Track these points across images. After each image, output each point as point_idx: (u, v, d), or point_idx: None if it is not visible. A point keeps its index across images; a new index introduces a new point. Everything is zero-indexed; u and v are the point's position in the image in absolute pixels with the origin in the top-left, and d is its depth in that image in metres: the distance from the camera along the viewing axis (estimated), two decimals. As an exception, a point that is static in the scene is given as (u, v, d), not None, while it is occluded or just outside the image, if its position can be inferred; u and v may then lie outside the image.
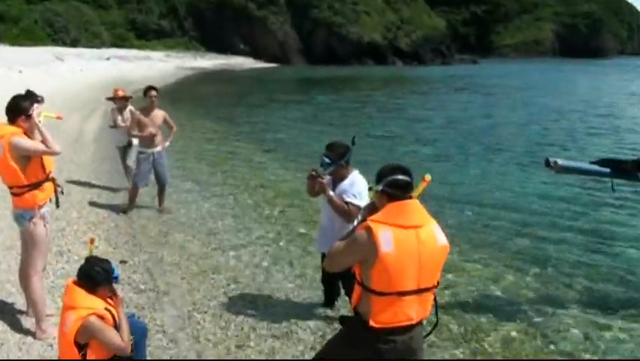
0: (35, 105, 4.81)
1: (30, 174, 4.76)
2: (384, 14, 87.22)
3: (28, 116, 4.77)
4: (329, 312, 5.92)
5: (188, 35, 79.77)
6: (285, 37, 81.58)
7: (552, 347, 5.51)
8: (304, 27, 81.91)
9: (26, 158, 4.72)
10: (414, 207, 3.35)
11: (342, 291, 5.81)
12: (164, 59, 63.64)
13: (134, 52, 63.07)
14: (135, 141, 9.70)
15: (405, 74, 62.59)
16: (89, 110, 19.99)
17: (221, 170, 12.73)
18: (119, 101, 10.24)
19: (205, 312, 5.82)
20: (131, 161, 9.98)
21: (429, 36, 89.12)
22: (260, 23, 79.18)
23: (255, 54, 78.38)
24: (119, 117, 10.10)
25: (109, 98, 10.55)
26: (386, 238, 3.18)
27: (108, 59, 53.13)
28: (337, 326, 5.44)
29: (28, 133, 4.78)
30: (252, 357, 5.04)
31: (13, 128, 4.71)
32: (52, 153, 4.78)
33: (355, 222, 4.94)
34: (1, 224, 7.50)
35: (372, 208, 3.53)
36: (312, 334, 5.49)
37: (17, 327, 5.09)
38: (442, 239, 3.37)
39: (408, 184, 3.39)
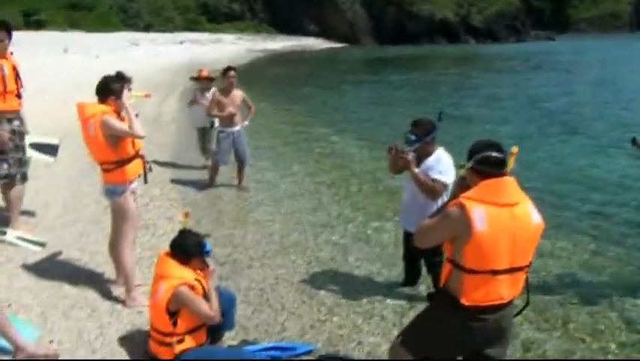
0: (125, 91, 4.94)
1: (120, 150, 4.90)
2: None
3: (119, 97, 4.91)
4: (409, 290, 5.86)
5: (258, 18, 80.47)
6: (354, 16, 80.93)
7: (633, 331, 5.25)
8: (374, 6, 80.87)
9: (116, 136, 4.86)
10: (508, 185, 3.24)
11: (424, 269, 5.76)
12: (235, 42, 64.55)
13: (205, 35, 64.27)
14: (216, 123, 9.89)
15: (478, 51, 61.11)
16: (165, 93, 20.49)
17: (296, 149, 12.82)
18: (203, 82, 10.36)
19: (288, 286, 5.89)
20: (211, 142, 10.17)
21: (503, 12, 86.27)
22: (329, 3, 78.71)
23: (325, 35, 78.25)
24: (204, 97, 10.15)
25: (193, 78, 10.76)
26: (479, 215, 3.09)
27: (181, 42, 54.37)
28: (418, 304, 5.45)
29: (118, 112, 4.91)
30: (336, 332, 5.05)
31: (103, 107, 4.86)
32: (137, 137, 4.91)
33: (440, 201, 4.91)
34: (88, 199, 7.81)
35: (462, 184, 3.44)
36: (393, 311, 5.45)
37: (107, 295, 5.28)
38: (536, 218, 3.25)
39: (501, 161, 3.27)
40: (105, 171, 5.00)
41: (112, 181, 5.01)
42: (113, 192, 5.03)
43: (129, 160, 4.98)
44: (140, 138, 4.95)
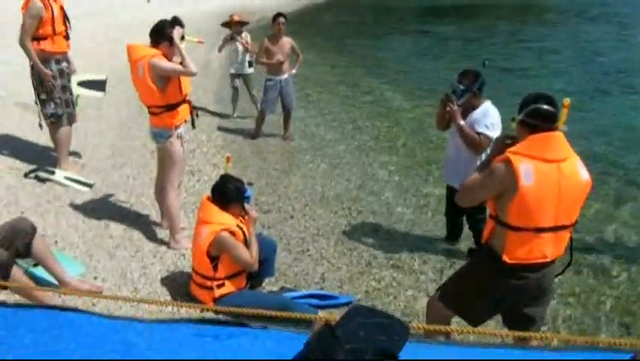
0: (177, 28, 4.92)
1: (168, 95, 4.93)
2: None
3: (172, 43, 4.90)
4: (450, 246, 5.83)
5: (311, -37, 79.04)
6: (409, -36, 78.79)
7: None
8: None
9: (165, 79, 4.87)
10: (557, 140, 3.14)
11: (466, 226, 5.70)
12: (284, -13, 63.56)
13: (255, -20, 63.43)
14: (251, 69, 9.96)
15: (539, 1, 58.80)
16: (215, 40, 20.30)
17: (343, 100, 12.68)
18: (235, 27, 10.07)
19: (328, 237, 5.92)
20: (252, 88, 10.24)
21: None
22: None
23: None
24: (237, 43, 9.98)
25: (224, 24, 10.47)
26: (527, 171, 3.01)
27: (232, -12, 53.83)
28: (458, 260, 5.42)
29: (168, 57, 4.91)
30: (374, 285, 5.07)
31: (153, 51, 4.87)
32: (190, 74, 4.89)
33: (484, 155, 4.80)
34: (136, 143, 7.95)
35: (501, 142, 3.35)
36: (432, 267, 5.43)
37: (152, 237, 5.42)
38: (584, 175, 3.15)
39: (552, 114, 3.15)
40: (152, 114, 5.06)
41: (159, 125, 5.06)
42: (160, 135, 5.10)
43: (177, 105, 5.01)
44: (192, 74, 4.91)
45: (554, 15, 41.37)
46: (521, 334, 2.91)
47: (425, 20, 37.50)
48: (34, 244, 4.00)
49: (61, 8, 6.39)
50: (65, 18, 6.43)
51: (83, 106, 8.32)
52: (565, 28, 32.02)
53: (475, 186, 3.26)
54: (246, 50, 9.94)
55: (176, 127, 5.09)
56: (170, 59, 4.91)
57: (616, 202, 7.13)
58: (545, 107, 3.15)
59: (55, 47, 6.33)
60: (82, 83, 7.05)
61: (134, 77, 4.96)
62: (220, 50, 10.34)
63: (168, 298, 4.38)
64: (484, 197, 3.32)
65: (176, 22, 5.00)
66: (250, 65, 10.08)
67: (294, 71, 9.22)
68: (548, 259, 3.22)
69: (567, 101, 3.29)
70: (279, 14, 8.98)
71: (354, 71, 16.93)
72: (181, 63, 4.83)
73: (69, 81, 6.64)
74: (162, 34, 4.92)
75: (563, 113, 3.26)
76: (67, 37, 6.48)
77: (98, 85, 7.31)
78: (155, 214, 5.79)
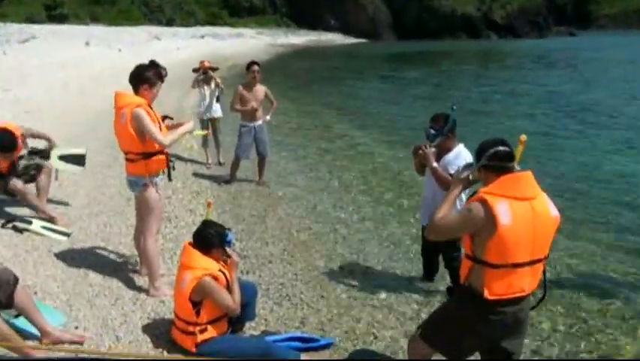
0: (188, 124, 5.27)
1: (147, 143, 4.97)
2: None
3: (152, 85, 5.02)
4: (427, 286, 5.92)
5: (279, 12, 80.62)
6: (375, 11, 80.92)
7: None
8: (395, 1, 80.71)
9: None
10: (527, 179, 3.30)
11: (442, 264, 5.80)
12: (256, 36, 64.79)
13: (226, 29, 64.62)
14: (219, 113, 10.23)
15: (500, 48, 60.68)
16: (187, 87, 20.56)
17: (316, 145, 12.90)
18: (205, 73, 10.32)
19: (307, 281, 5.96)
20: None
21: (524, 7, 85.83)
22: (351, -2, 78.77)
23: (345, 30, 78.28)
24: (205, 88, 10.23)
25: (195, 70, 10.66)
26: (503, 210, 3.15)
27: (203, 37, 54.68)
28: (436, 299, 5.52)
29: (148, 99, 5.01)
30: (354, 326, 5.11)
31: (138, 99, 4.96)
32: (160, 143, 4.95)
33: (463, 197, 4.96)
34: (112, 191, 7.96)
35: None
36: (411, 306, 5.50)
37: (131, 285, 5.39)
38: (554, 211, 3.32)
39: (509, 154, 3.36)
40: (129, 161, 5.10)
41: (135, 173, 5.10)
42: (136, 183, 5.13)
43: (154, 154, 5.07)
44: (163, 145, 4.99)
45: (521, 59, 42.80)
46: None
47: (395, 66, 38.51)
48: (16, 295, 3.97)
49: None
50: None
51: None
52: (525, 72, 33.21)
53: (450, 222, 3.37)
54: (216, 89, 10.19)
55: (151, 175, 5.13)
56: (149, 102, 5.00)
57: (578, 236, 7.38)
58: (502, 148, 3.36)
59: None
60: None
61: (116, 123, 5.02)
62: (193, 86, 10.52)
63: (150, 345, 4.35)
64: (457, 234, 3.45)
65: (154, 64, 5.12)
66: (217, 100, 10.28)
67: (268, 118, 9.37)
68: (526, 293, 3.33)
69: (524, 137, 3.47)
70: (253, 62, 9.17)
71: (326, 117, 17.24)
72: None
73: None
74: (141, 77, 5.02)
75: (519, 150, 3.45)
76: None
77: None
78: (133, 262, 5.78)
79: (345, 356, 4.58)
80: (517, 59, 44.39)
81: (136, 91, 5.03)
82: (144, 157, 5.02)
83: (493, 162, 3.34)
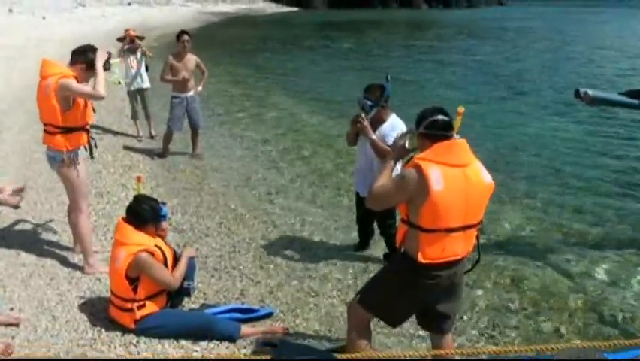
0: (100, 51, 4.93)
1: (68, 117, 4.82)
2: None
3: (89, 68, 4.85)
4: (364, 252, 6.04)
5: (209, -21, 78.68)
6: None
7: (580, 291, 5.49)
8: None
9: (69, 102, 4.78)
10: (460, 146, 3.40)
11: (377, 231, 5.92)
12: (185, 4, 63.14)
13: (154, -5, 62.54)
14: (147, 84, 9.99)
15: (430, 17, 61.40)
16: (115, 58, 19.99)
17: (250, 115, 12.81)
18: (131, 42, 10.01)
19: (245, 253, 5.98)
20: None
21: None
22: (281, -35, 77.75)
23: (277, -3, 77.29)
24: (133, 58, 9.96)
25: (120, 39, 10.32)
26: (436, 176, 3.23)
27: (129, 4, 52.85)
28: (373, 265, 5.64)
29: (79, 80, 4.83)
30: (294, 295, 5.18)
31: (66, 71, 4.78)
32: (98, 96, 4.79)
33: (398, 166, 5.06)
34: (41, 166, 7.67)
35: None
36: (348, 274, 5.62)
37: (65, 262, 5.28)
38: (487, 177, 3.42)
39: (447, 123, 3.44)
40: (47, 133, 4.92)
41: (52, 146, 4.93)
42: (54, 158, 4.96)
43: (74, 129, 4.91)
44: (101, 97, 4.82)
45: (445, 29, 43.43)
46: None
47: (325, 35, 38.38)
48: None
49: None
50: None
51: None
52: (455, 42, 33.81)
53: (386, 190, 3.44)
54: (143, 57, 9.94)
55: (69, 151, 4.95)
56: (80, 83, 4.83)
57: (513, 201, 7.65)
58: (441, 117, 3.44)
59: None
60: None
61: (39, 92, 4.83)
62: (119, 56, 9.96)
63: (88, 324, 4.29)
64: (395, 201, 3.50)
65: (95, 49, 4.96)
66: (147, 69, 10.05)
67: (199, 89, 9.20)
68: (459, 257, 3.46)
69: (462, 108, 3.56)
70: (182, 32, 8.95)
71: (259, 86, 17.12)
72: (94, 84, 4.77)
73: None
74: (85, 56, 4.87)
75: (457, 121, 3.54)
76: None
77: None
78: (66, 239, 5.65)
79: (285, 325, 4.64)
80: (447, 28, 45.12)
81: (72, 64, 4.85)
82: (63, 131, 4.87)
83: (431, 130, 3.40)
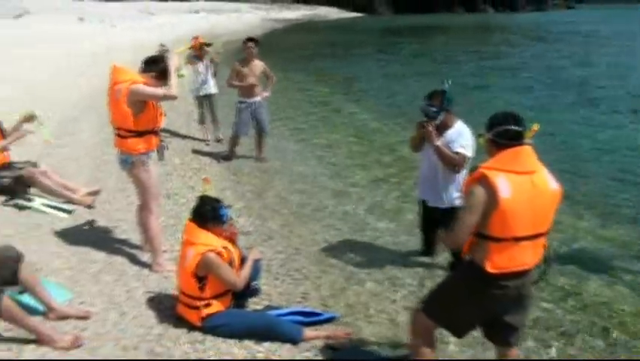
0: (173, 57, 5.08)
1: (140, 121, 4.95)
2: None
3: (160, 79, 4.96)
4: (427, 259, 5.95)
5: (275, -15, 79.82)
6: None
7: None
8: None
9: (140, 106, 4.92)
10: (527, 153, 3.32)
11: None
12: (251, 11, 64.25)
13: (221, 4, 63.93)
14: (214, 89, 10.13)
15: (497, 21, 60.29)
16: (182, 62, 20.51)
17: (315, 120, 12.92)
18: (198, 50, 10.16)
19: (308, 256, 6.01)
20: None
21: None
22: (346, -29, 78.05)
23: (340, 4, 77.55)
24: (200, 64, 10.13)
25: (190, 47, 10.54)
26: (503, 184, 3.17)
27: (197, 12, 54.14)
28: (437, 272, 5.55)
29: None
30: (356, 300, 5.16)
31: (137, 77, 4.93)
32: (171, 97, 4.92)
33: (462, 173, 4.99)
34: (111, 168, 7.93)
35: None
36: (411, 281, 5.54)
37: (134, 260, 5.43)
38: (554, 185, 3.34)
39: (519, 134, 3.35)
40: (119, 137, 5.07)
41: (123, 149, 5.08)
42: (125, 161, 5.11)
43: (145, 133, 5.04)
44: (173, 97, 4.96)
45: (518, 33, 42.63)
46: None
47: (391, 40, 38.29)
48: (21, 272, 4.01)
49: None
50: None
51: (57, 133, 8.31)
52: (522, 46, 33.05)
53: (466, 222, 3.29)
54: (212, 64, 10.12)
55: (140, 154, 5.08)
56: None
57: (581, 211, 7.41)
58: (513, 127, 3.35)
59: None
60: (47, 205, 6.60)
61: (110, 98, 4.98)
62: (187, 63, 10.17)
63: (155, 320, 4.39)
64: (475, 221, 3.29)
65: (165, 59, 5.09)
66: (215, 75, 10.22)
67: (266, 94, 9.34)
68: (528, 267, 3.37)
69: (536, 126, 3.47)
70: (249, 39, 9.15)
71: (323, 92, 17.24)
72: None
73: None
74: (158, 66, 5.00)
75: (529, 134, 3.45)
76: None
77: (64, 210, 6.67)
78: (135, 238, 5.81)
79: (348, 330, 4.63)
80: (514, 32, 44.21)
81: (143, 72, 5.01)
82: (135, 135, 5.00)
83: (502, 139, 3.34)
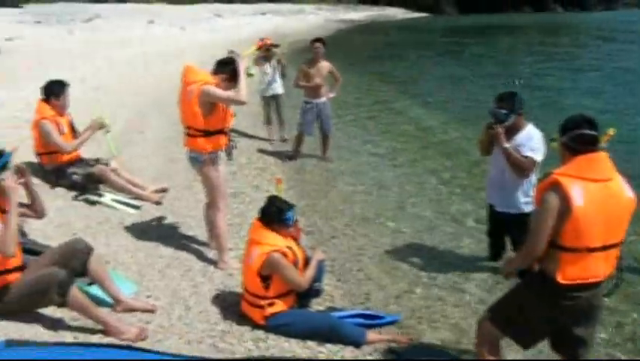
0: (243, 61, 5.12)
1: (210, 121, 5.04)
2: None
3: (230, 81, 5.01)
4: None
5: (340, -14, 79.97)
6: (437, -15, 79.22)
7: None
8: (457, -26, 78.99)
9: (211, 107, 5.00)
10: (602, 160, 3.20)
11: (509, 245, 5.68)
12: (316, 12, 64.50)
13: (287, 6, 64.46)
14: (281, 90, 10.12)
15: (566, 21, 58.53)
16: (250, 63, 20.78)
17: (379, 122, 12.84)
18: (265, 51, 9.98)
19: (371, 257, 5.98)
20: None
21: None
22: (412, -28, 77.47)
23: (406, 4, 76.97)
24: (267, 65, 10.14)
25: (256, 49, 10.61)
26: (577, 192, 3.07)
27: (264, 13, 54.81)
28: (503, 280, 5.37)
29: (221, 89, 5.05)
30: (420, 304, 5.10)
31: (209, 78, 5.02)
32: (240, 102, 4.98)
33: (533, 177, 4.84)
34: (179, 166, 8.11)
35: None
36: (477, 287, 5.42)
37: (200, 257, 5.52)
38: (630, 193, 3.21)
39: (594, 139, 3.22)
40: (189, 136, 5.16)
41: (193, 148, 5.17)
42: (195, 159, 5.21)
43: (215, 133, 5.11)
44: (242, 102, 5.00)
45: (588, 33, 41.21)
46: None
47: (457, 41, 37.66)
48: (90, 263, 4.15)
49: (70, 123, 6.88)
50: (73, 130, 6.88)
51: (126, 131, 8.52)
52: (592, 47, 31.89)
53: (539, 232, 3.20)
54: (279, 65, 10.10)
55: (209, 153, 5.17)
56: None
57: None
58: (588, 132, 3.22)
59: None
60: (116, 200, 6.78)
61: (182, 98, 5.09)
62: (255, 63, 10.18)
63: (219, 316, 4.46)
64: (549, 229, 3.18)
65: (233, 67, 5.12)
66: (284, 76, 10.22)
67: (332, 95, 9.38)
68: (600, 278, 3.24)
69: (612, 131, 3.35)
70: (316, 39, 9.21)
71: (388, 93, 17.13)
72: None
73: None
74: (229, 67, 5.06)
75: (604, 139, 3.32)
76: None
77: (132, 205, 6.80)
78: (201, 234, 5.91)
79: (411, 334, 4.58)
80: (583, 32, 42.79)
81: (215, 73, 5.09)
82: (205, 134, 5.08)
83: (576, 144, 3.22)
